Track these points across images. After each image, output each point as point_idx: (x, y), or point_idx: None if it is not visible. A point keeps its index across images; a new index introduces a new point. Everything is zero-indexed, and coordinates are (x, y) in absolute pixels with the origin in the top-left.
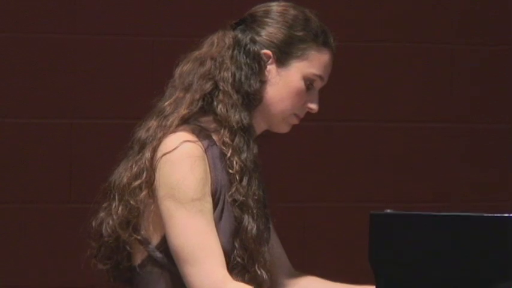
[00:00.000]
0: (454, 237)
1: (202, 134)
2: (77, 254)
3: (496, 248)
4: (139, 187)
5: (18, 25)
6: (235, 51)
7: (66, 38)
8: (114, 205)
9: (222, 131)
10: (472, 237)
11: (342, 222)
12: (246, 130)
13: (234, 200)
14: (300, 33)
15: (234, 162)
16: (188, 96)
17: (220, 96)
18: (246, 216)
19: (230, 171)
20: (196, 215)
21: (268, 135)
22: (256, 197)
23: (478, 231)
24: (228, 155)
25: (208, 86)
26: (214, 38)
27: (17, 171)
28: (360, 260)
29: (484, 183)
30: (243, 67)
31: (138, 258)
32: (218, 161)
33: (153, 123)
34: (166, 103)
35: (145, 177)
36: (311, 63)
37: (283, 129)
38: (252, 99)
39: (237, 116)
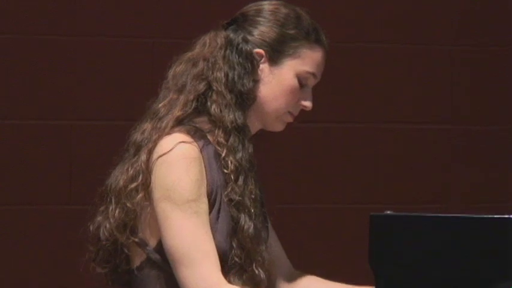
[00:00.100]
0: (454, 239)
1: (197, 134)
2: (77, 255)
3: (496, 249)
4: (136, 190)
5: (18, 26)
6: (228, 51)
7: (66, 40)
8: (111, 208)
9: (216, 131)
10: (472, 239)
11: (340, 224)
12: (240, 130)
13: (230, 200)
14: (292, 32)
15: (229, 162)
16: (182, 97)
17: (214, 97)
18: (242, 216)
19: (225, 171)
20: (191, 217)
21: (263, 134)
22: (253, 196)
23: (478, 232)
24: (223, 155)
25: (201, 86)
26: (206, 38)
27: (17, 172)
28: (358, 261)
29: (484, 184)
30: (236, 67)
31: (137, 260)
32: (214, 161)
33: (147, 125)
34: (161, 105)
35: (142, 180)
36: (304, 61)
37: (278, 127)
38: (245, 98)
39: (231, 116)
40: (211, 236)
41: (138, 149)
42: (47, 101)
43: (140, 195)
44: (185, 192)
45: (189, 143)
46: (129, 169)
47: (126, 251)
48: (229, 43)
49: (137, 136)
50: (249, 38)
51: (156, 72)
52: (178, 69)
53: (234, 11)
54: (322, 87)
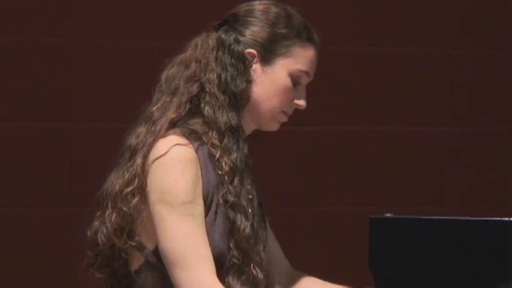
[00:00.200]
0: (454, 241)
1: (192, 136)
2: (77, 257)
3: (496, 252)
4: (132, 193)
5: (18, 28)
6: (220, 52)
7: (66, 42)
8: (107, 213)
9: (210, 132)
10: (472, 241)
11: (337, 227)
12: (234, 130)
13: (226, 201)
14: (283, 31)
15: (224, 163)
16: (175, 100)
17: (207, 98)
18: (238, 216)
19: (220, 172)
20: (187, 219)
21: (258, 134)
22: (250, 196)
23: (478, 235)
24: (217, 156)
25: (194, 88)
26: (198, 40)
27: (17, 174)
28: (356, 263)
29: (484, 186)
30: (228, 68)
31: (135, 264)
32: (209, 162)
33: (142, 129)
34: (154, 108)
35: (137, 183)
36: (296, 60)
37: (273, 127)
38: (239, 99)
39: (224, 117)
40: (207, 239)
41: (133, 153)
42: (47, 103)
43: (136, 199)
44: (181, 194)
45: (185, 145)
46: (125, 173)
47: (124, 255)
48: (221, 44)
49: (132, 140)
50: (241, 38)
51: (156, 74)
52: (170, 72)
53: None
54: (321, 90)
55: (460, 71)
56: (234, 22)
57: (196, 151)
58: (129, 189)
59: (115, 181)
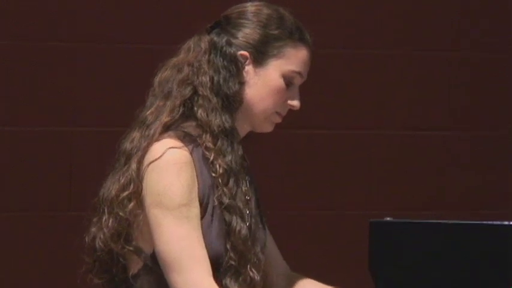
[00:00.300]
0: (455, 245)
1: (187, 138)
2: (77, 262)
3: (496, 255)
4: (128, 198)
5: (18, 33)
6: (212, 55)
7: (66, 46)
8: (104, 218)
9: (204, 135)
10: (472, 245)
11: (335, 230)
12: (228, 133)
13: (221, 203)
14: (275, 32)
15: (218, 166)
16: (168, 103)
17: (200, 101)
18: (234, 218)
19: (214, 174)
20: (183, 222)
21: (252, 136)
22: (247, 197)
23: (478, 239)
24: (211, 158)
25: (187, 91)
26: (191, 43)
27: (17, 179)
28: (352, 266)
29: (482, 188)
30: (221, 70)
31: (134, 268)
32: (204, 164)
33: (136, 134)
34: (148, 112)
35: (133, 188)
36: (288, 61)
37: (267, 128)
38: (232, 101)
39: (217, 120)
40: (203, 241)
41: (128, 157)
42: (47, 106)
43: (132, 203)
44: (176, 197)
45: (179, 147)
46: (121, 178)
47: (122, 260)
48: (213, 47)
49: (127, 145)
50: (233, 40)
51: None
52: (163, 76)
53: None
54: (317, 92)
55: (458, 72)
56: (226, 24)
57: (191, 153)
58: (125, 194)
59: (111, 186)
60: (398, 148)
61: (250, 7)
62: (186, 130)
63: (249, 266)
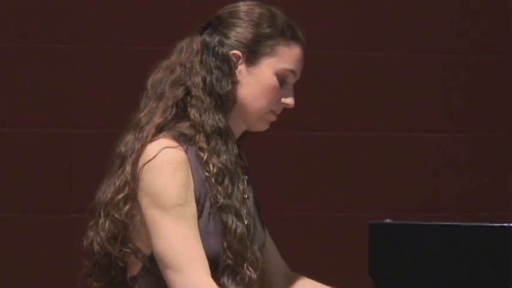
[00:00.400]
0: (455, 247)
1: (181, 138)
2: (77, 264)
3: (495, 257)
4: (123, 200)
5: (18, 34)
6: (204, 56)
7: (66, 47)
8: (100, 222)
9: (197, 136)
10: (472, 247)
11: (333, 232)
12: (222, 132)
13: (217, 202)
14: (267, 30)
15: (211, 166)
16: (161, 104)
17: (193, 102)
18: (230, 217)
19: (207, 174)
20: (180, 221)
21: (249, 136)
22: (246, 196)
23: (478, 241)
24: (205, 158)
25: (179, 92)
26: (183, 44)
27: (17, 180)
28: (349, 267)
29: (479, 190)
30: (213, 70)
31: (134, 270)
32: (199, 163)
33: (130, 136)
34: (141, 114)
35: (128, 190)
36: (281, 59)
37: (262, 127)
38: (225, 100)
39: (210, 120)
40: (200, 240)
41: (123, 160)
42: (48, 108)
43: (128, 206)
44: (172, 197)
45: (174, 147)
46: (116, 181)
47: (120, 263)
48: (205, 47)
49: (121, 148)
50: (225, 40)
51: None
52: (156, 78)
53: None
54: (314, 94)
55: (455, 74)
56: (218, 24)
57: (186, 153)
58: (120, 196)
59: (106, 190)
60: (394, 150)
61: (242, 6)
62: (180, 130)
63: (245, 265)
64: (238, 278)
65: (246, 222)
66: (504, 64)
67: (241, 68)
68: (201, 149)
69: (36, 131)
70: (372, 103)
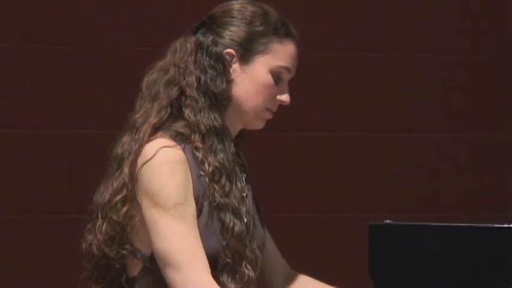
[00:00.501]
0: (455, 247)
1: (179, 137)
2: (77, 264)
3: (496, 257)
4: (121, 202)
5: (18, 34)
6: (198, 55)
7: (66, 48)
8: (98, 224)
9: (193, 135)
10: (472, 248)
11: (332, 233)
12: (218, 131)
13: (214, 201)
14: (260, 28)
15: (207, 165)
16: (156, 105)
17: (188, 101)
18: (227, 215)
19: (202, 173)
20: (179, 220)
21: (244, 133)
22: (244, 194)
23: (478, 241)
24: (200, 157)
25: (174, 92)
26: (177, 44)
27: (17, 181)
28: (348, 268)
29: (479, 190)
30: (207, 69)
31: (134, 271)
32: (196, 162)
33: (126, 138)
34: (137, 115)
35: (126, 192)
36: (275, 56)
37: (258, 125)
38: (220, 99)
39: (205, 119)
40: (200, 239)
41: (120, 162)
42: (48, 109)
43: (126, 207)
44: (172, 196)
45: (172, 147)
46: (114, 183)
47: (117, 265)
48: (199, 47)
49: (118, 150)
50: (219, 39)
51: None
52: (150, 79)
53: None
54: (319, 96)
55: (455, 74)
56: (211, 24)
57: (184, 152)
58: (118, 198)
59: (104, 192)
60: (394, 150)
61: (234, 5)
62: (176, 129)
63: (244, 263)
64: (237, 276)
65: (245, 221)
66: (504, 64)
67: (236, 66)
68: (196, 148)
69: (36, 131)
70: (372, 103)
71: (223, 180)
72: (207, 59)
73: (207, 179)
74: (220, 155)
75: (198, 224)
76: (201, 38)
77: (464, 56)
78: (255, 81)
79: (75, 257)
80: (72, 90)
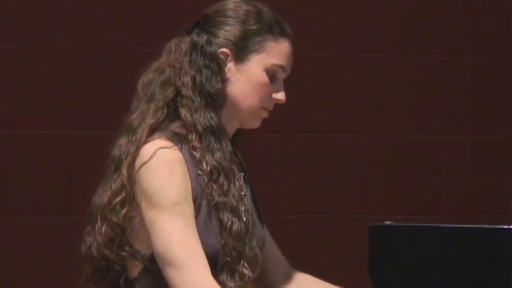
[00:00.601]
0: (455, 249)
1: (176, 138)
2: (77, 264)
3: (495, 259)
4: (121, 204)
5: (18, 35)
6: (193, 55)
7: (66, 48)
8: (97, 226)
9: (190, 135)
10: (472, 249)
11: (332, 234)
12: (215, 130)
13: (212, 200)
14: (254, 27)
15: (204, 164)
16: (152, 105)
17: (184, 101)
18: (225, 214)
19: (200, 173)
20: (178, 220)
21: (242, 132)
22: (243, 193)
23: (478, 242)
24: (197, 157)
25: (169, 92)
26: (172, 45)
27: (17, 181)
28: (348, 269)
29: (481, 191)
30: (202, 69)
31: (134, 271)
32: (194, 162)
33: (123, 139)
34: (133, 117)
35: (125, 193)
36: (270, 54)
37: (254, 124)
38: (215, 98)
39: (202, 119)
40: (199, 238)
41: (118, 164)
42: (48, 109)
43: (125, 209)
44: (170, 197)
45: (169, 147)
46: (112, 185)
47: (117, 267)
48: (193, 47)
49: (115, 152)
50: (213, 39)
51: None
52: (146, 79)
53: None
54: (320, 98)
55: (457, 75)
56: (206, 23)
57: (181, 152)
58: (117, 199)
59: (103, 194)
60: (396, 150)
61: (228, 4)
62: (173, 130)
63: (242, 262)
64: (236, 275)
65: (244, 219)
66: (506, 65)
67: (231, 65)
68: (194, 148)
69: (36, 131)
70: (374, 104)
71: (221, 179)
72: (202, 58)
73: (205, 178)
74: (218, 154)
75: (197, 224)
76: (195, 38)
77: (466, 56)
78: (250, 80)
79: (75, 257)
80: (72, 90)
